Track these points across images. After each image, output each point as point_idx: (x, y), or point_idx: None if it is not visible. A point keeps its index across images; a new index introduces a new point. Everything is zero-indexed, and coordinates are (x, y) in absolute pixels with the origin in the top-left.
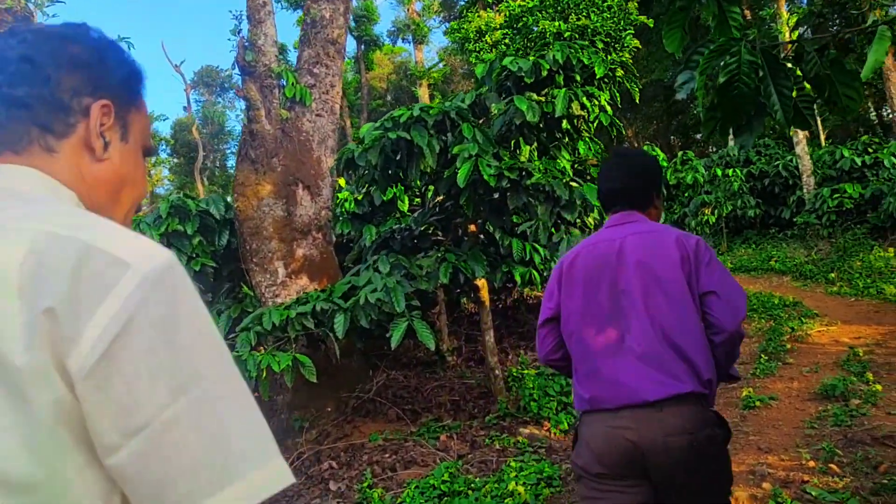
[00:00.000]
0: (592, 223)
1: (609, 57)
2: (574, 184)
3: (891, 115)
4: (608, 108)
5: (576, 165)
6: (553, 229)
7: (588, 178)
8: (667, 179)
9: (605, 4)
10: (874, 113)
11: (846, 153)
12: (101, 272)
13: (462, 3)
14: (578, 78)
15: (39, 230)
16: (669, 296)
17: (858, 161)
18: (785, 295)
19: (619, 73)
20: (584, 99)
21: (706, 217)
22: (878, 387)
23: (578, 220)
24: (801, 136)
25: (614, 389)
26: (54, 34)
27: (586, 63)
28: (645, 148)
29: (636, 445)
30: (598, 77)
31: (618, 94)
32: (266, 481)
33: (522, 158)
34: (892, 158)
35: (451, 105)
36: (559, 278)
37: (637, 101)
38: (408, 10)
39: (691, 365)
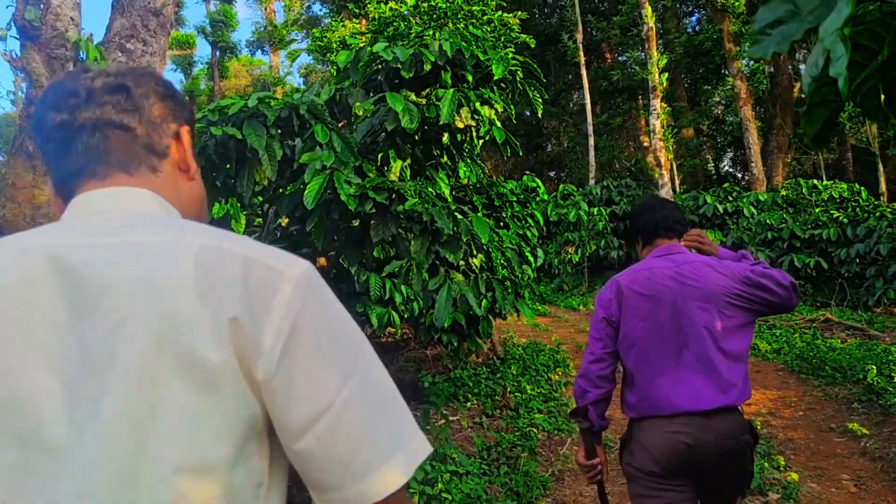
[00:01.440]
0: (478, 266)
1: (509, 54)
2: (459, 215)
3: (726, 169)
4: (497, 122)
5: (455, 192)
6: (426, 273)
7: (470, 208)
8: (547, 215)
9: (486, 18)
10: (712, 165)
11: (709, 199)
12: (264, 280)
13: (325, 14)
14: (470, 78)
15: (196, 243)
16: (720, 317)
17: (721, 208)
18: None
19: (520, 75)
20: (478, 104)
21: (569, 256)
22: (795, 475)
23: (462, 263)
24: (665, 178)
25: (672, 399)
26: (136, 71)
27: (481, 59)
28: (525, 178)
29: (689, 447)
30: (495, 79)
31: (512, 107)
32: (419, 449)
33: (392, 177)
34: (751, 208)
35: (302, 99)
36: (617, 293)
37: (539, 115)
38: (265, 9)
39: (736, 382)
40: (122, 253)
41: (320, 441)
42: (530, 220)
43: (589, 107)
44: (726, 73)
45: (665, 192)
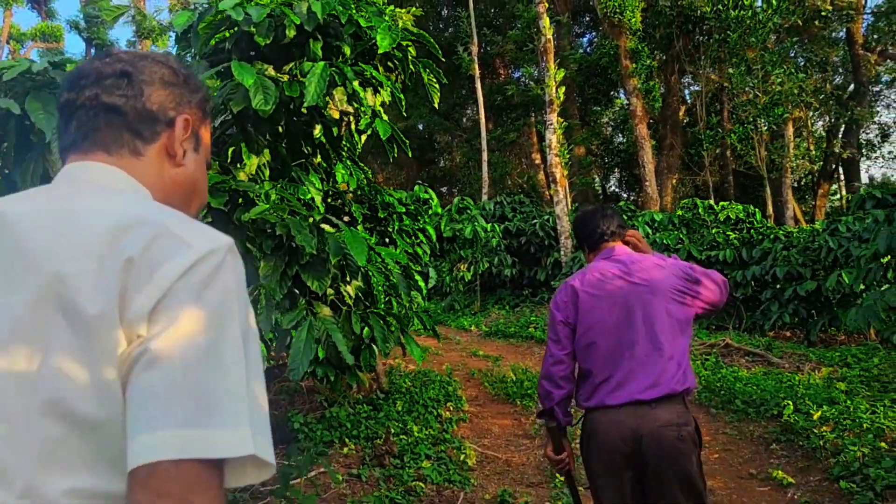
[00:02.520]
0: (353, 294)
1: (401, 24)
2: (328, 227)
3: (612, 188)
4: (383, 113)
5: (330, 200)
6: (283, 296)
7: (347, 219)
8: (441, 230)
9: (372, 10)
10: (599, 184)
11: None
12: (169, 245)
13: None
14: (348, 51)
15: (125, 211)
16: (666, 313)
17: None
18: None
19: (413, 52)
20: (357, 84)
21: (461, 273)
22: None
23: (331, 292)
24: (561, 195)
25: (622, 391)
26: (148, 57)
27: (363, 26)
28: (417, 189)
29: (635, 434)
30: (380, 53)
31: (401, 95)
32: (225, 442)
33: (241, 176)
34: (647, 228)
35: None
36: (573, 295)
37: (436, 106)
38: None
39: (679, 371)
40: (53, 216)
41: (130, 380)
42: (422, 236)
43: (483, 121)
44: (616, 94)
45: (560, 210)
